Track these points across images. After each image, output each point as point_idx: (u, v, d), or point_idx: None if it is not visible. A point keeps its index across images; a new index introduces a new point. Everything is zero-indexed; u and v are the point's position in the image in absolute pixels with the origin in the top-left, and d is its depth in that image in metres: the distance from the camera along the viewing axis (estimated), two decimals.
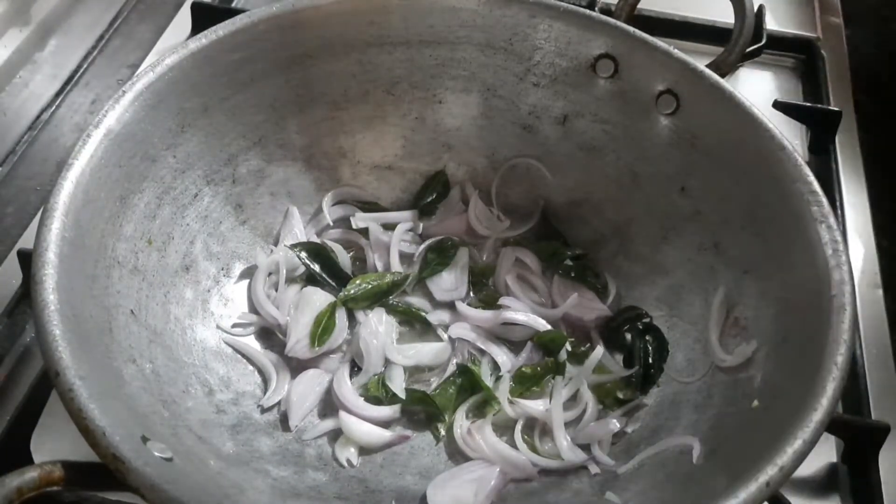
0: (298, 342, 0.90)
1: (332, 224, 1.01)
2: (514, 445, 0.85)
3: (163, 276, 0.85)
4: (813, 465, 0.88)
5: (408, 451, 0.86)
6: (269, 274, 0.95)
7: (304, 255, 0.95)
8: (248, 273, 0.95)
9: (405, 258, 0.99)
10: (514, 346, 0.93)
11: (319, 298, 0.93)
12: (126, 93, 0.82)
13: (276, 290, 0.94)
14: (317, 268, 0.95)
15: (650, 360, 0.90)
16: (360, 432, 0.85)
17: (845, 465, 0.88)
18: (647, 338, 0.92)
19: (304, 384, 0.88)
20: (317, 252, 0.97)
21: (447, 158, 1.04)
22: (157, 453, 0.64)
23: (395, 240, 0.99)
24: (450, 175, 1.04)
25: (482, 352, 0.92)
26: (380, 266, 0.99)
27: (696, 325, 0.89)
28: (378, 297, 0.95)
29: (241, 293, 0.94)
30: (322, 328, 0.90)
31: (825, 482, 0.87)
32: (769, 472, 0.62)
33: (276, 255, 0.95)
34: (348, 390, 0.87)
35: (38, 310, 0.66)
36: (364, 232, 1.01)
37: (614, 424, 0.85)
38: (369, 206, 1.03)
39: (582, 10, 0.96)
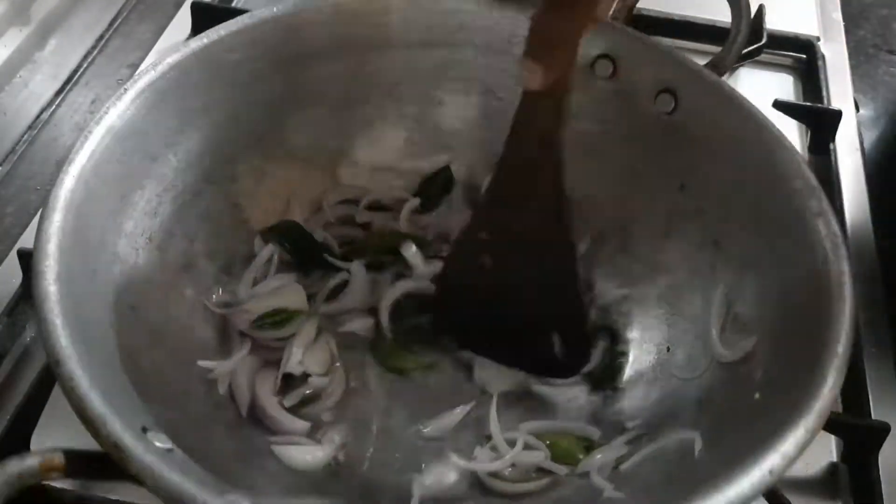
0: (247, 312, 0.89)
1: (332, 221, 1.01)
2: None
3: (163, 274, 0.85)
4: (813, 465, 0.88)
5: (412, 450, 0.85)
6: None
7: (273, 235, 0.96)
8: None
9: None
10: None
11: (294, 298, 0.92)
12: (128, 90, 0.82)
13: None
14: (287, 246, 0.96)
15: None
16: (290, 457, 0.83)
17: (845, 465, 0.88)
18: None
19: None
20: (288, 230, 0.97)
21: (447, 159, 1.04)
22: (157, 443, 0.64)
23: (404, 220, 1.01)
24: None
25: None
26: None
27: (697, 322, 0.88)
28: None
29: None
30: (273, 321, 0.90)
31: (825, 482, 0.87)
32: (772, 459, 0.62)
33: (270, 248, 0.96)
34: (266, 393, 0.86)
35: (40, 300, 0.65)
36: (367, 227, 1.01)
37: (616, 451, 0.83)
38: (373, 205, 1.03)
39: None
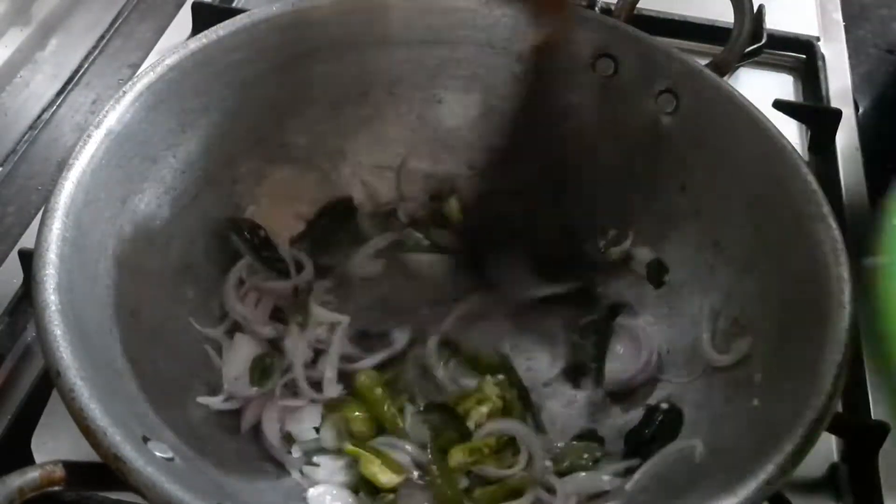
0: (238, 379, 0.87)
1: None
2: None
3: (164, 277, 0.85)
4: (813, 465, 0.88)
5: None
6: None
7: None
8: None
9: None
10: None
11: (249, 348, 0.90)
12: (126, 93, 0.82)
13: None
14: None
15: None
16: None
17: (845, 465, 0.88)
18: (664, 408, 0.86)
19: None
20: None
21: (447, 158, 1.04)
22: (158, 453, 0.64)
23: None
24: (452, 174, 1.04)
25: None
26: None
27: (697, 324, 0.89)
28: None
29: None
30: (260, 372, 0.88)
31: (825, 482, 0.87)
32: (770, 470, 0.62)
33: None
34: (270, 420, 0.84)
35: (39, 310, 0.66)
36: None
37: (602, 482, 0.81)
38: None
39: (582, 9, 0.96)
